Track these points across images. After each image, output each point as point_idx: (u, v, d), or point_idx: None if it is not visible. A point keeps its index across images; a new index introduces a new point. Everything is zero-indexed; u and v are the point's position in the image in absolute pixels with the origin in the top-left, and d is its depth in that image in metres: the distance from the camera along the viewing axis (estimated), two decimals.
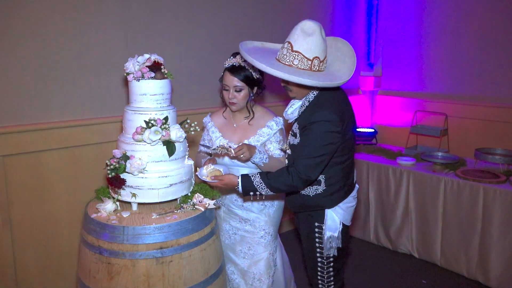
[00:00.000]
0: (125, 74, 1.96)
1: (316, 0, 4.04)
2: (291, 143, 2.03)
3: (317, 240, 2.06)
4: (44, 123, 2.51)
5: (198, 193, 1.99)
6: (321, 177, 1.99)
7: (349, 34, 4.43)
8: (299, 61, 1.84)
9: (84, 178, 2.70)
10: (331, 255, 2.06)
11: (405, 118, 4.42)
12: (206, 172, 2.02)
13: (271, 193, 1.96)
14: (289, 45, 1.85)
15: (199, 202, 1.94)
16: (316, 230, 2.06)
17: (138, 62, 1.93)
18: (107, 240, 1.75)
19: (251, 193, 1.96)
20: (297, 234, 2.42)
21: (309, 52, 1.83)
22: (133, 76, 1.91)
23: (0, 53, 2.34)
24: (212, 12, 3.24)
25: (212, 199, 1.98)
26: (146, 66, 1.92)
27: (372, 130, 4.40)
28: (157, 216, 1.84)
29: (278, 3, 3.71)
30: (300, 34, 1.83)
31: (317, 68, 1.87)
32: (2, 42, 2.33)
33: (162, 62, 1.96)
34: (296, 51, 1.84)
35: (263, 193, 1.94)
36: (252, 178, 1.94)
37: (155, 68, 1.93)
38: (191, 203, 1.93)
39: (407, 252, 3.64)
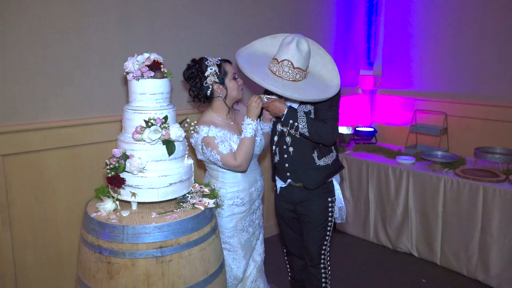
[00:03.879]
0: (124, 73, 1.95)
1: (318, 3, 4.04)
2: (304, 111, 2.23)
3: (329, 214, 2.37)
4: (43, 123, 2.51)
5: (198, 192, 1.99)
6: None
7: (349, 32, 4.43)
8: (300, 75, 2.14)
9: (84, 178, 2.70)
10: (339, 221, 2.43)
11: (405, 117, 4.43)
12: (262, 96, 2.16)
13: (305, 130, 2.14)
14: (289, 63, 2.11)
15: (199, 201, 1.94)
16: (330, 204, 2.37)
17: (137, 61, 1.92)
18: (107, 239, 1.75)
19: (291, 121, 2.14)
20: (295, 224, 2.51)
21: (304, 65, 2.15)
22: (133, 75, 1.91)
23: None
24: (212, 11, 3.24)
25: (212, 199, 1.98)
26: (146, 65, 1.91)
27: (372, 129, 4.40)
28: (157, 216, 1.84)
29: (278, 2, 3.71)
30: (295, 51, 2.10)
31: (304, 75, 2.17)
32: (0, 41, 2.33)
33: (161, 61, 1.96)
34: (297, 68, 2.12)
35: (300, 126, 2.14)
36: (298, 110, 2.17)
37: (154, 67, 1.92)
38: (191, 202, 1.93)
39: (407, 251, 3.65)
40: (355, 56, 4.59)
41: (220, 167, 2.22)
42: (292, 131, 2.19)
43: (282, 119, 2.17)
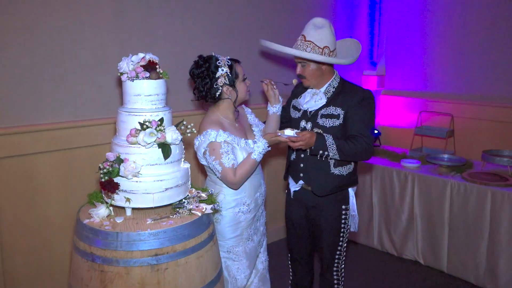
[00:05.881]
0: (118, 74, 1.95)
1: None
2: (327, 126, 2.25)
3: (343, 221, 2.37)
4: (35, 125, 2.51)
5: (195, 197, 1.98)
6: None
7: (351, 32, 4.44)
8: (311, 48, 2.19)
9: (76, 182, 2.69)
10: (352, 230, 2.45)
11: (410, 118, 4.43)
12: (289, 130, 2.13)
13: (337, 156, 2.16)
14: (302, 36, 2.22)
15: (196, 207, 1.94)
16: (343, 212, 2.37)
17: (132, 61, 1.92)
18: (100, 247, 1.74)
19: (321, 152, 2.15)
20: (310, 229, 2.52)
21: (320, 42, 2.18)
22: (127, 76, 1.91)
23: None
24: (210, 10, 3.24)
25: (209, 204, 1.97)
26: (141, 66, 1.91)
27: (376, 131, 4.40)
28: (152, 222, 1.83)
29: (278, 2, 3.71)
30: (312, 27, 2.20)
31: (328, 55, 2.21)
32: None
33: (157, 61, 1.96)
34: (308, 41, 2.19)
35: (330, 154, 2.15)
36: (326, 137, 2.16)
37: (150, 67, 1.92)
38: (188, 208, 1.93)
39: (412, 258, 3.64)
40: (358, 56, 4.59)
41: (218, 177, 2.21)
42: (323, 158, 2.21)
43: (311, 151, 2.18)
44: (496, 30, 3.77)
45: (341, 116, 2.23)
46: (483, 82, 3.90)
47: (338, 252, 2.42)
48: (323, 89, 2.31)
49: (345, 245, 2.44)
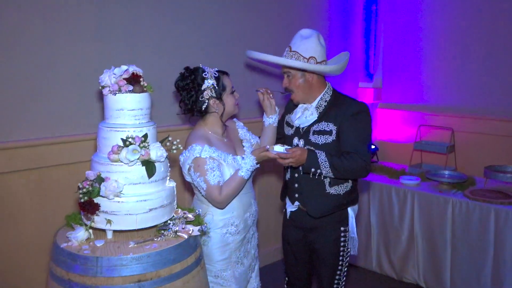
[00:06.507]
0: (100, 88, 1.96)
1: (311, 7, 4.11)
2: (320, 143, 2.25)
3: (342, 244, 2.37)
4: (9, 142, 2.50)
5: (181, 218, 1.98)
6: None
7: (346, 42, 4.50)
8: (296, 59, 2.22)
9: (54, 203, 2.67)
10: (351, 253, 2.44)
11: (408, 133, 4.47)
12: (279, 146, 2.13)
13: (330, 174, 2.17)
14: (288, 47, 2.27)
15: (182, 228, 1.93)
16: (342, 234, 2.36)
17: (114, 74, 1.93)
18: (79, 273, 1.73)
19: (313, 170, 2.15)
20: (306, 253, 2.52)
21: (306, 52, 2.22)
22: (109, 90, 1.92)
23: None
24: (197, 20, 3.27)
25: (196, 225, 1.97)
26: (124, 79, 1.92)
27: (373, 147, 4.43)
28: (135, 245, 1.83)
29: (270, 15, 3.77)
30: (298, 38, 2.25)
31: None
32: None
33: (141, 74, 1.97)
34: (294, 51, 2.23)
35: (324, 172, 2.15)
36: (318, 154, 2.15)
37: (133, 80, 1.93)
38: (173, 230, 1.92)
39: (413, 281, 3.64)
40: (353, 67, 4.65)
41: (203, 195, 2.22)
42: (316, 176, 2.21)
43: (302, 169, 2.20)
44: (496, 42, 3.85)
45: (334, 132, 2.24)
46: (485, 95, 3.95)
47: (337, 277, 2.41)
48: (314, 103, 2.32)
49: (345, 269, 2.43)
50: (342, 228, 2.36)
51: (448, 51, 4.16)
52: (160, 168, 1.94)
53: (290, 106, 2.49)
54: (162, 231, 1.92)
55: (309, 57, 2.21)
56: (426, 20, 4.28)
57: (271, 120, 2.42)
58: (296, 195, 2.38)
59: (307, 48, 2.21)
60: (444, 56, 4.18)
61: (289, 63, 2.21)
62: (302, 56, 2.20)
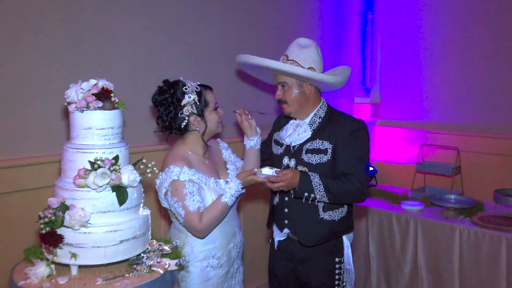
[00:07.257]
0: (65, 104, 1.95)
1: (302, 16, 4.16)
2: (313, 163, 2.27)
3: (336, 277, 2.36)
4: None
5: (156, 251, 1.95)
6: None
7: (340, 54, 4.54)
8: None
9: (11, 234, 2.62)
10: (348, 287, 2.42)
11: (410, 153, 4.50)
12: (268, 168, 2.12)
13: (325, 199, 2.17)
14: (285, 56, 2.30)
15: (157, 262, 1.91)
16: (337, 265, 2.36)
17: (82, 88, 1.93)
18: None
19: (306, 194, 2.15)
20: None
21: (305, 62, 2.25)
22: (76, 106, 1.91)
23: None
24: (175, 31, 3.28)
25: (174, 259, 1.94)
26: (92, 94, 1.92)
27: (371, 169, 4.44)
28: (104, 282, 1.80)
29: (258, 25, 3.80)
30: (296, 46, 2.29)
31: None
32: None
33: (112, 88, 1.98)
34: (291, 60, 2.27)
35: (318, 196, 2.16)
36: (312, 177, 2.16)
37: (103, 96, 1.93)
38: (147, 264, 1.90)
39: None
40: (348, 81, 4.67)
41: (181, 223, 2.19)
42: (309, 201, 2.21)
43: (294, 192, 2.20)
44: (502, 55, 3.91)
45: (329, 150, 2.25)
46: (493, 111, 3.99)
47: None
48: (307, 119, 2.34)
49: None
50: (336, 259, 2.36)
51: (450, 65, 4.21)
52: (132, 194, 1.93)
53: (279, 123, 2.51)
54: (135, 266, 1.90)
55: (308, 67, 2.24)
56: (427, 33, 4.35)
57: (252, 142, 2.41)
58: (286, 222, 2.37)
59: (306, 58, 2.25)
60: (447, 70, 4.24)
61: (293, 70, 2.22)
62: (300, 65, 2.23)
